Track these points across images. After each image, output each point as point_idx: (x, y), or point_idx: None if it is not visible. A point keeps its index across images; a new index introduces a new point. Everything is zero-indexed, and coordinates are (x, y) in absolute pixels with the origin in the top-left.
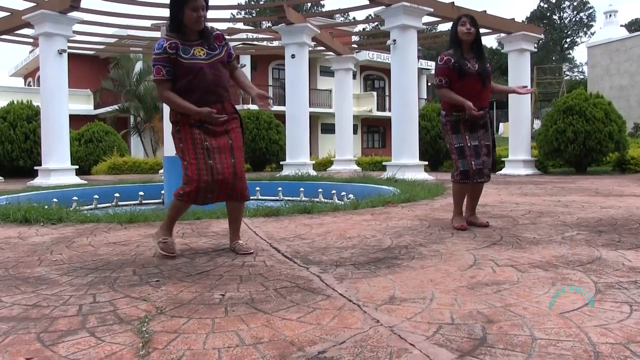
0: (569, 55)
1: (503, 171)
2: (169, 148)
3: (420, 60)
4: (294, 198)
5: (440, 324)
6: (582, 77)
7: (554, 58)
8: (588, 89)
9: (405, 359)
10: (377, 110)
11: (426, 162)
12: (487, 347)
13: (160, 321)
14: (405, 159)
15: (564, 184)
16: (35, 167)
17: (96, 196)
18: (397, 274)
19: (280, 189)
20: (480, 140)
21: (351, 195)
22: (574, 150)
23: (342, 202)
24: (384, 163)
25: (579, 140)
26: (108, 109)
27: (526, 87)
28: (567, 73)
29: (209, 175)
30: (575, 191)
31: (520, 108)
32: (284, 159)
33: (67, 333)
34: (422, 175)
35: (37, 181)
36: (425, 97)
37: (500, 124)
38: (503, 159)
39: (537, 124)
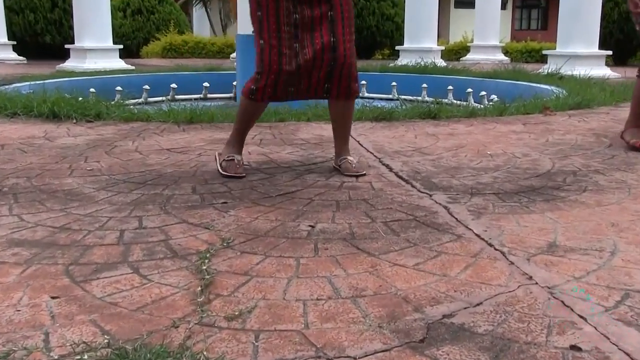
0: None
1: None
2: (244, 23)
3: None
4: (414, 97)
5: (628, 290)
6: None
7: None
8: None
9: (572, 336)
10: None
11: (609, 52)
12: None
13: (227, 258)
14: (578, 46)
15: None
16: (67, 46)
17: (146, 87)
18: (560, 212)
19: (394, 84)
20: None
21: (494, 96)
22: None
23: (482, 106)
24: (544, 52)
25: None
26: None
27: None
28: None
29: (292, 63)
30: None
31: None
32: (401, 43)
33: (103, 267)
34: (602, 71)
35: (70, 64)
36: None
37: None
38: None
39: None
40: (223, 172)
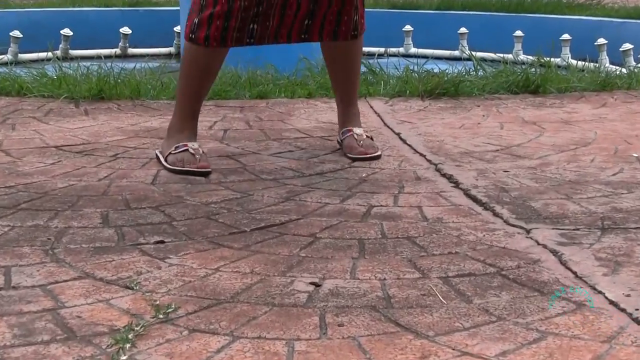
0: None
1: None
2: None
3: None
4: (498, 55)
5: None
6: None
7: None
8: None
9: None
10: None
11: None
12: None
13: (165, 341)
14: None
15: None
16: None
17: (16, 32)
18: None
19: (464, 30)
20: None
21: None
22: None
23: (624, 70)
24: None
25: None
26: None
27: None
28: None
29: None
30: None
31: None
32: None
33: None
34: None
35: None
36: None
37: None
38: None
39: None
40: (175, 168)
